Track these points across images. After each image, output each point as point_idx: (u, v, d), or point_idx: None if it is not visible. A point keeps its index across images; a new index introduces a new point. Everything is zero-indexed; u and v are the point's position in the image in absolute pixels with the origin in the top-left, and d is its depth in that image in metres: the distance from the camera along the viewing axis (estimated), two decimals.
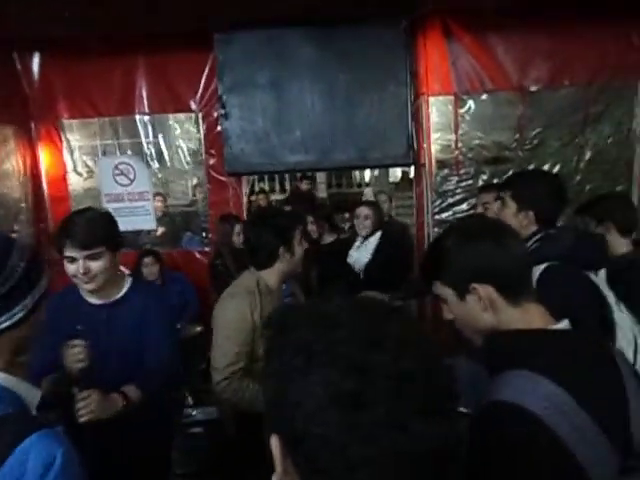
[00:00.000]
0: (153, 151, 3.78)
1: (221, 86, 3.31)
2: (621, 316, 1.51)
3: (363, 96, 3.24)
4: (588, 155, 3.53)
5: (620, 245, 1.88)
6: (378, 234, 3.00)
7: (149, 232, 4.01)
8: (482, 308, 0.94)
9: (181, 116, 3.72)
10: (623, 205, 1.96)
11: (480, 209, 2.58)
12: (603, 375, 0.87)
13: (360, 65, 3.20)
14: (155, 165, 3.82)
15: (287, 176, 8.67)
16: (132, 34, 3.34)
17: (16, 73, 3.57)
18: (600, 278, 1.56)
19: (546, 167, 3.54)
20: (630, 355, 1.49)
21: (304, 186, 6.17)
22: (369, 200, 3.30)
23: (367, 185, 9.28)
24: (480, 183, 3.55)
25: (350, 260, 3.02)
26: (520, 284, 0.95)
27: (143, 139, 3.75)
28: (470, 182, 3.61)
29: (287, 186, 8.83)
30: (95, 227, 1.51)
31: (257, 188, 8.34)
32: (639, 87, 3.37)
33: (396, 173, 8.78)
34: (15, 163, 3.60)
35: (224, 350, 1.61)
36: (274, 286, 1.67)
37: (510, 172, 3.38)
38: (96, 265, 1.50)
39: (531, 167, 3.52)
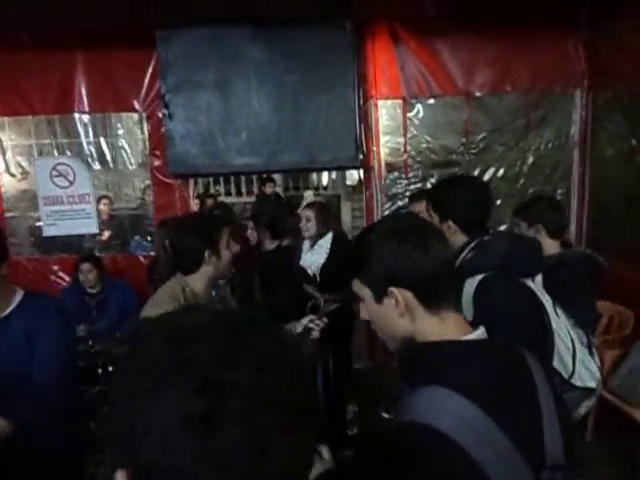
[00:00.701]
0: (94, 152, 3.62)
1: (164, 85, 3.20)
2: (558, 322, 1.50)
3: (311, 98, 3.21)
4: (531, 159, 3.64)
5: (549, 246, 1.91)
6: (329, 236, 2.96)
7: (94, 236, 3.83)
8: (398, 314, 0.89)
9: (124, 116, 3.59)
10: (552, 207, 2.01)
11: None
12: (516, 386, 0.85)
13: (307, 66, 3.17)
14: (97, 166, 3.66)
15: (243, 179, 8.55)
16: (70, 30, 3.19)
17: None
18: (537, 283, 1.54)
19: (491, 171, 3.63)
20: (569, 362, 1.49)
21: (268, 189, 6.10)
22: (312, 201, 3.26)
23: (324, 189, 9.30)
24: (429, 186, 3.60)
25: (304, 264, 2.96)
26: (441, 292, 0.90)
27: (83, 139, 3.58)
28: (419, 185, 3.65)
29: (243, 189, 8.72)
30: None
31: (213, 191, 8.20)
32: (576, 95, 3.50)
33: (353, 176, 8.81)
34: None
35: None
36: (201, 291, 1.61)
37: None
38: None
39: (476, 171, 3.60)
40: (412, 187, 3.65)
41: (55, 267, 3.74)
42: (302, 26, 3.09)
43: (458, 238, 1.57)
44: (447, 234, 1.56)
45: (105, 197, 3.84)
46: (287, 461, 0.43)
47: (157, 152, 3.55)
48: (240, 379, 0.43)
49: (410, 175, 3.66)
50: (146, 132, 3.56)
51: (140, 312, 3.25)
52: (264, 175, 6.35)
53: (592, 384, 1.54)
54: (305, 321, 1.80)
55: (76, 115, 3.53)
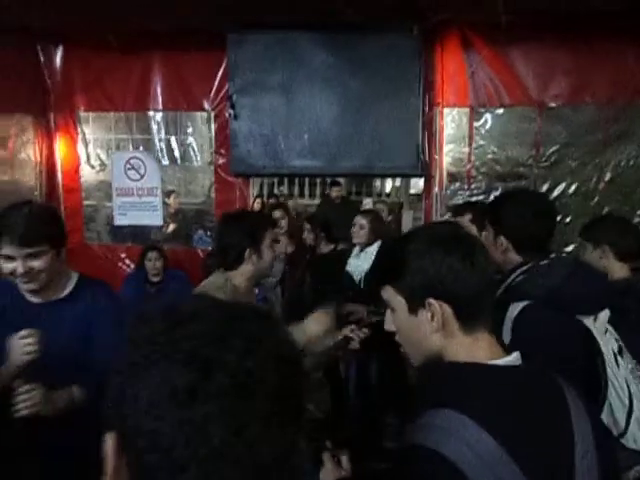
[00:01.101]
0: (165, 148, 3.82)
1: (232, 86, 3.31)
2: (616, 371, 1.32)
3: (373, 104, 3.18)
4: (608, 176, 3.37)
5: (617, 270, 1.75)
6: (377, 244, 2.94)
7: (160, 228, 4.04)
8: (433, 329, 0.83)
9: (194, 115, 3.75)
10: (622, 228, 1.83)
11: None
12: (545, 419, 0.78)
13: (372, 72, 3.15)
14: (165, 162, 3.85)
15: (307, 181, 8.67)
16: (150, 31, 3.39)
17: (39, 64, 3.67)
18: (600, 321, 1.35)
19: (562, 186, 3.41)
20: (622, 418, 1.31)
21: (333, 193, 6.12)
22: (366, 209, 3.23)
23: (387, 195, 9.20)
24: (492, 199, 3.45)
25: (350, 268, 2.97)
26: (480, 311, 0.85)
27: (155, 135, 3.79)
28: (481, 197, 3.50)
29: (306, 191, 8.84)
30: (37, 223, 1.38)
31: (277, 192, 8.39)
32: None
33: (418, 185, 8.64)
34: (32, 152, 3.70)
35: None
36: (241, 288, 1.64)
37: None
38: (38, 264, 1.38)
39: (546, 185, 3.40)
40: (474, 199, 3.51)
41: (123, 255, 3.97)
42: (369, 32, 3.08)
43: (510, 257, 1.44)
44: (498, 252, 1.47)
45: (173, 192, 4.04)
46: (263, 446, 0.45)
47: (222, 151, 3.68)
48: (226, 358, 0.45)
49: (473, 186, 3.53)
50: (213, 131, 3.71)
51: None
52: (328, 179, 6.37)
53: None
54: (346, 330, 1.78)
55: (150, 113, 3.75)
